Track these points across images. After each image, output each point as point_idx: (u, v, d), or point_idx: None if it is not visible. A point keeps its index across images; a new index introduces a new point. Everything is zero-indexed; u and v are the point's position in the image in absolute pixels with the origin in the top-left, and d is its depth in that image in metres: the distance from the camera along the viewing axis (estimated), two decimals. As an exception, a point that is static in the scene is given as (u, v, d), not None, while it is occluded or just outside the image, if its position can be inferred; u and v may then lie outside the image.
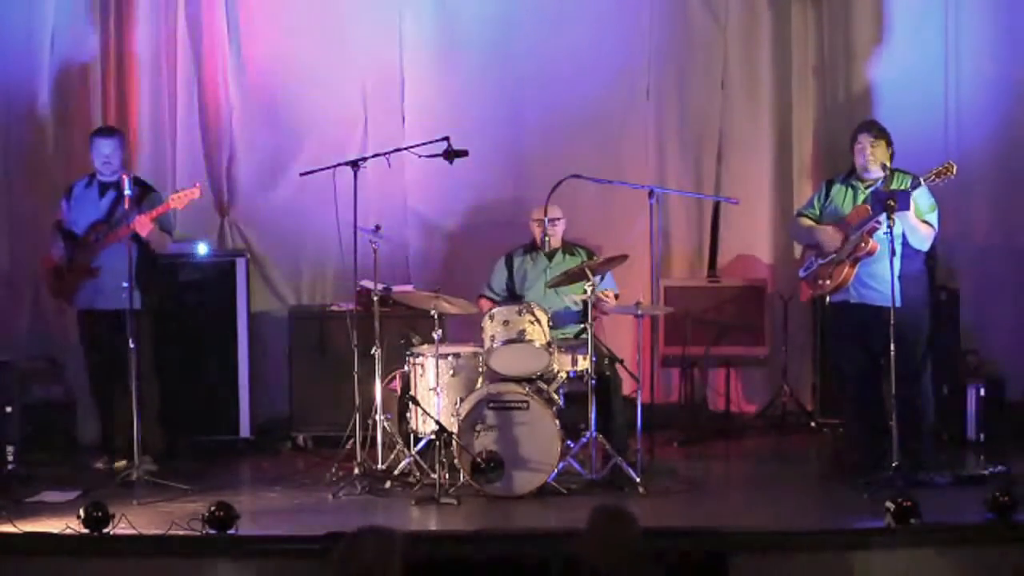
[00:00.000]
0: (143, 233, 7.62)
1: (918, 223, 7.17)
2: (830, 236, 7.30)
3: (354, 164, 7.52)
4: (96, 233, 7.76)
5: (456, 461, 7.12)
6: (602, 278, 7.86)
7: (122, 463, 7.67)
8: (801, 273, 7.55)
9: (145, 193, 7.87)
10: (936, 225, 7.29)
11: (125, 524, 6.26)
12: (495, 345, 7.34)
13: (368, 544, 4.45)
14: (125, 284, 7.41)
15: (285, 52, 9.08)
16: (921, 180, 7.07)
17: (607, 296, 7.82)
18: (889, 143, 7.33)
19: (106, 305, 7.71)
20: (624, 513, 4.81)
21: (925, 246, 7.31)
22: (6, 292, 8.95)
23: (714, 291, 8.93)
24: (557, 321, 7.69)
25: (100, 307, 7.77)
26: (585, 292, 7.40)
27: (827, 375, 8.66)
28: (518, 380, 7.33)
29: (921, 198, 7.17)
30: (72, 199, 7.94)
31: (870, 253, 7.12)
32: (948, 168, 7.03)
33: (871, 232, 7.09)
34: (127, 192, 7.46)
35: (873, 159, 7.30)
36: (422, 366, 7.58)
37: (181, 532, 6.20)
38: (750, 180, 9.17)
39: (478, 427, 7.13)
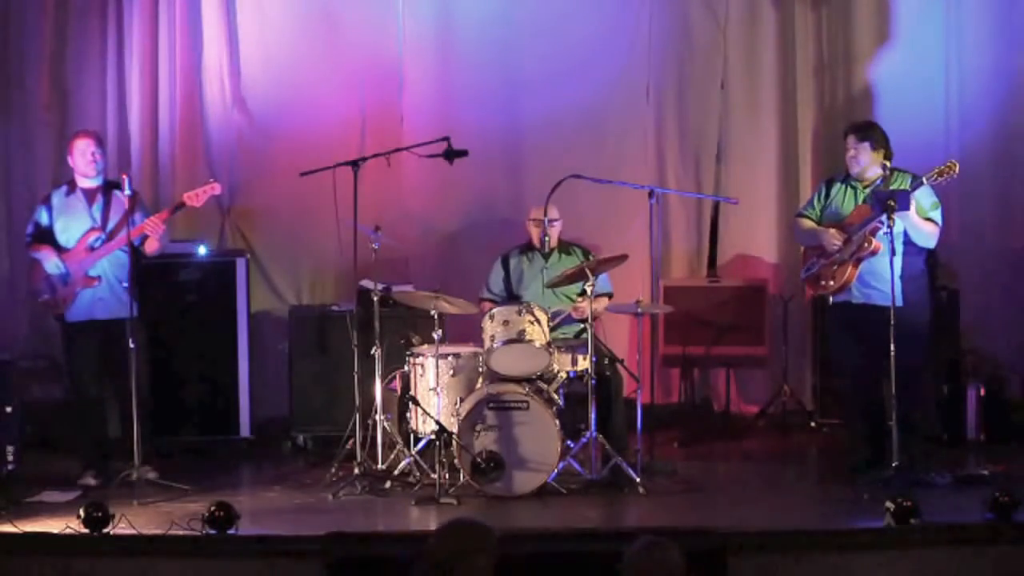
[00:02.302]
0: (156, 234, 7.45)
1: (921, 221, 7.16)
2: (832, 237, 7.30)
3: (354, 164, 7.51)
4: (92, 241, 7.50)
5: (456, 461, 7.12)
6: (596, 278, 7.85)
7: (90, 479, 7.53)
8: (803, 274, 7.54)
9: (134, 196, 7.62)
10: (940, 222, 7.29)
11: (125, 524, 6.26)
12: (495, 345, 7.34)
13: (458, 535, 4.43)
14: (125, 284, 7.38)
15: (285, 52, 9.09)
16: (924, 179, 7.07)
17: (581, 307, 7.70)
18: (878, 145, 7.27)
19: (105, 315, 7.47)
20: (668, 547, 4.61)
21: (931, 244, 7.31)
22: (6, 292, 8.96)
23: (714, 291, 8.93)
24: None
25: (100, 317, 7.49)
26: (584, 294, 7.40)
27: (827, 375, 8.67)
28: (518, 380, 7.33)
29: (923, 196, 7.16)
30: (53, 209, 7.61)
31: (873, 253, 7.11)
32: (950, 167, 7.02)
33: (873, 232, 7.09)
34: (127, 192, 7.35)
35: (855, 162, 7.31)
36: (422, 366, 7.58)
37: (181, 532, 6.20)
38: (750, 180, 9.18)
39: (478, 427, 7.12)
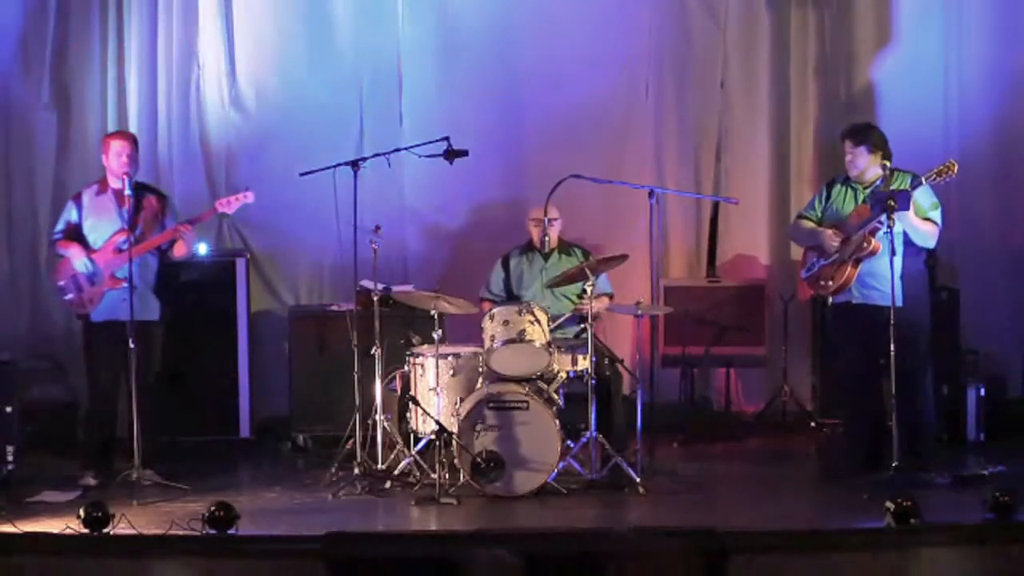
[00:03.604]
0: (186, 239, 7.50)
1: (919, 221, 7.17)
2: (831, 237, 7.31)
3: (354, 164, 7.50)
4: (120, 242, 7.45)
5: (456, 461, 7.12)
6: (596, 278, 7.86)
7: (90, 479, 7.52)
8: (803, 274, 7.55)
9: (164, 200, 7.74)
10: (940, 222, 7.29)
11: (125, 524, 6.25)
12: (495, 345, 7.34)
13: None
14: (125, 285, 7.36)
15: (283, 51, 9.09)
16: (923, 179, 7.07)
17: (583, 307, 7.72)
18: (875, 147, 7.28)
19: (129, 316, 7.33)
20: None
21: (930, 243, 7.33)
22: (6, 292, 8.96)
23: (714, 291, 8.93)
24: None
25: (123, 318, 7.38)
26: (585, 293, 7.40)
27: (827, 375, 8.67)
28: (518, 380, 7.33)
29: (922, 196, 7.17)
30: (83, 208, 7.62)
31: (872, 253, 7.12)
32: (949, 167, 7.03)
33: (873, 232, 7.09)
34: (128, 192, 7.33)
35: (853, 166, 7.32)
36: (422, 366, 7.58)
37: (181, 532, 6.20)
38: (749, 180, 9.19)
39: (478, 427, 7.12)
